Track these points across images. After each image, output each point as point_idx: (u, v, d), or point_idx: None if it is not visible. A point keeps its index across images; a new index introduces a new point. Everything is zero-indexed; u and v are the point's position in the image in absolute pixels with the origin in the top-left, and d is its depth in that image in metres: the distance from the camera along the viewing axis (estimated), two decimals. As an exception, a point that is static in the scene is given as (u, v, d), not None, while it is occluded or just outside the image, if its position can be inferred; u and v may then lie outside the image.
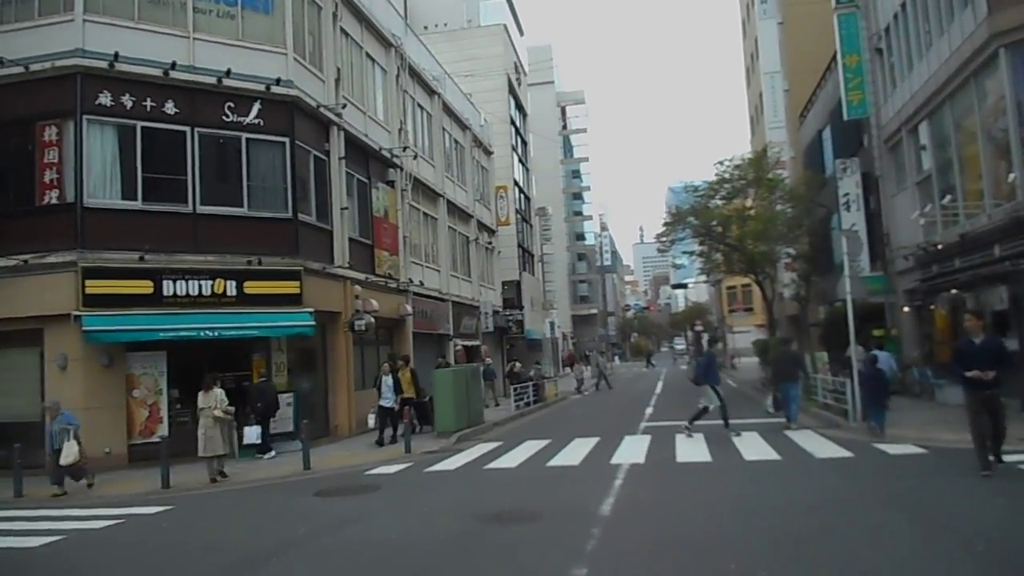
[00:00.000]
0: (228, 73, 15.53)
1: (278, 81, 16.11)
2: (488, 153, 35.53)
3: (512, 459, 12.70)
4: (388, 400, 16.24)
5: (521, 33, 54.78)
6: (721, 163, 26.61)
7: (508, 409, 23.40)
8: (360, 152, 20.43)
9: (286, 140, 16.52)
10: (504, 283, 38.35)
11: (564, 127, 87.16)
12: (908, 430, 13.30)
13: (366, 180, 20.67)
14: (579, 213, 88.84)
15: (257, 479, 12.36)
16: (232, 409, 12.82)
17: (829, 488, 8.76)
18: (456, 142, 30.16)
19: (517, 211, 42.75)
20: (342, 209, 18.59)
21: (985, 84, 15.94)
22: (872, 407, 13.28)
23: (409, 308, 22.09)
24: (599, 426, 17.64)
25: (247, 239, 15.70)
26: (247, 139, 15.99)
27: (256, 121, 16.08)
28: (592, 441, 14.31)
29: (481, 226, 32.84)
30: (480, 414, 19.12)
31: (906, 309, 21.26)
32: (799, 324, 35.22)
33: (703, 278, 44.06)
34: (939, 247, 17.48)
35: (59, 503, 11.22)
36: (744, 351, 54.52)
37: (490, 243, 34.51)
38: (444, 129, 28.29)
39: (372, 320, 18.17)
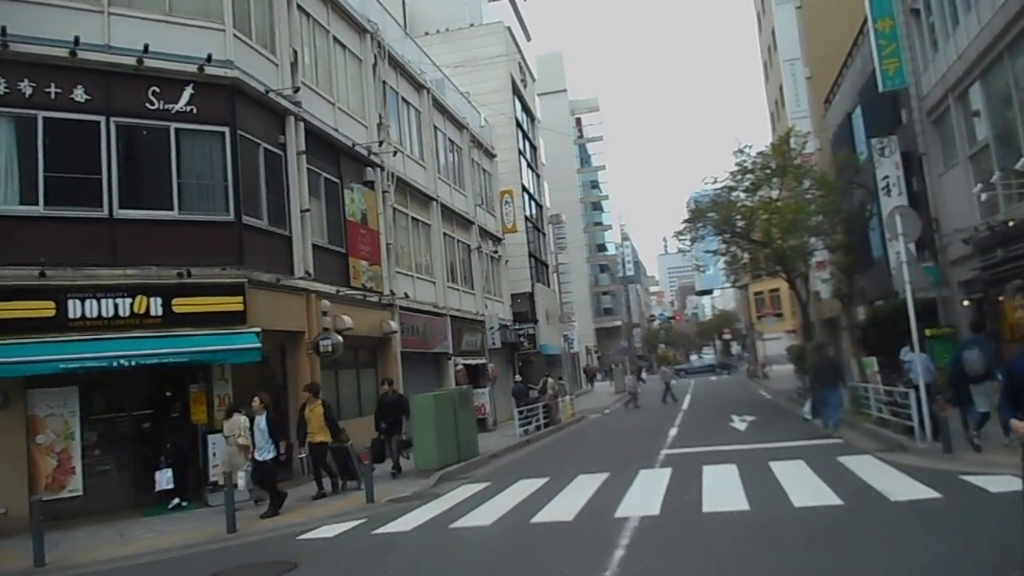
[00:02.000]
0: (147, 50, 13.01)
1: (209, 59, 13.56)
2: (491, 156, 32.94)
3: (491, 511, 9.91)
4: (264, 451, 11.65)
5: (528, 38, 52.49)
6: (741, 151, 23.70)
7: (514, 435, 20.69)
8: (328, 148, 17.90)
9: (226, 130, 13.97)
10: (515, 296, 35.66)
11: (580, 136, 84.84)
12: (996, 452, 10.42)
13: (336, 180, 18.12)
14: (599, 223, 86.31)
15: (162, 548, 9.67)
16: None
17: (932, 562, 5.88)
18: (452, 142, 27.60)
19: (527, 219, 40.10)
20: (303, 211, 16.04)
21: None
22: (967, 408, 11.31)
23: (394, 325, 19.44)
24: (612, 455, 14.86)
25: (178, 248, 13.12)
26: (177, 129, 13.43)
27: (188, 108, 13.55)
28: (599, 479, 11.54)
29: (484, 233, 30.17)
30: (473, 445, 16.35)
31: (965, 303, 18.24)
32: (836, 327, 32.13)
33: (728, 283, 40.94)
34: (1010, 224, 14.47)
35: None
36: (776, 358, 51.40)
37: (496, 252, 31.81)
38: (436, 127, 25.74)
39: (340, 339, 15.55)
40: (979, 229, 16.53)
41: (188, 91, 13.57)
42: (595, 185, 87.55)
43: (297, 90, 15.94)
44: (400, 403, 15.38)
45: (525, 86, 43.48)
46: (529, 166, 43.12)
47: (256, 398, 12.06)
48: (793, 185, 23.84)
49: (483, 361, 27.42)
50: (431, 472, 13.94)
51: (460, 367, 24.24)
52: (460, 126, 28.50)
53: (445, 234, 25.38)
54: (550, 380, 27.20)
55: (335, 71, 18.73)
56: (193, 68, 13.56)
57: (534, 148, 45.69)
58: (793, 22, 35.62)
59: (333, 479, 13.32)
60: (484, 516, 9.54)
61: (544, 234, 45.22)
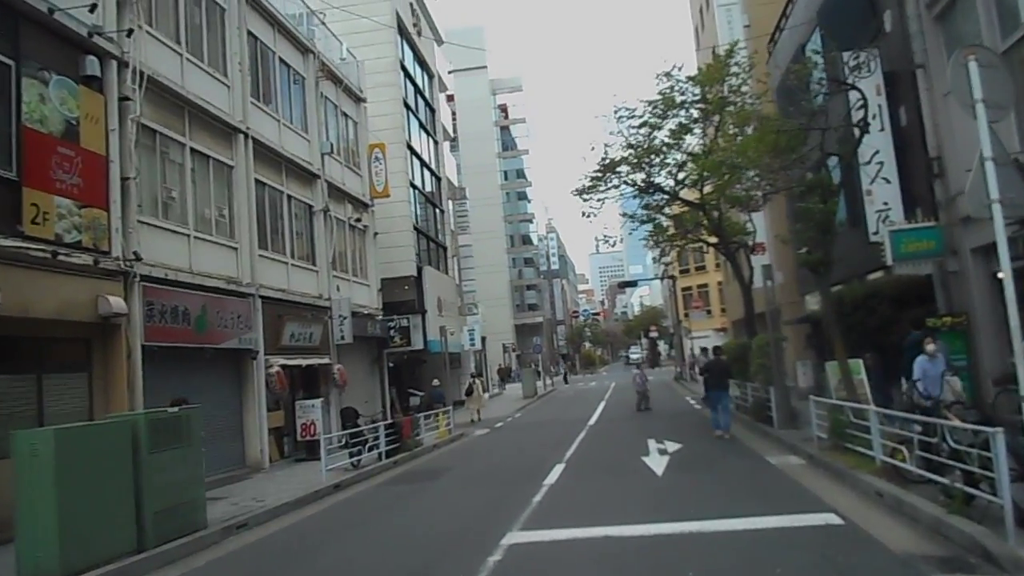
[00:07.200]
0: None
1: None
2: (357, 100, 25.87)
3: None
4: None
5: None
6: (668, 74, 17.15)
7: (322, 477, 13.94)
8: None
9: None
10: (394, 279, 28.82)
11: (505, 116, 78.55)
12: None
13: (7, 60, 10.94)
14: (524, 213, 79.89)
15: None
16: None
17: None
18: (286, 65, 20.44)
19: (416, 188, 33.25)
20: None
21: None
22: None
23: (117, 303, 12.27)
24: (414, 547, 8.17)
25: None
26: None
27: None
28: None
29: (340, 194, 23.14)
30: (193, 511, 9.31)
31: (999, 275, 12.16)
32: (776, 322, 26.04)
33: (656, 261, 34.80)
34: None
35: None
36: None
37: (358, 220, 24.76)
38: (255, 36, 18.66)
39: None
40: (1021, 160, 10.51)
41: None
42: (520, 174, 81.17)
43: None
44: None
45: (419, 33, 36.49)
46: (423, 127, 36.19)
47: None
48: (732, 133, 17.52)
49: (325, 361, 20.42)
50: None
51: (275, 370, 17.13)
52: (303, 48, 21.40)
53: (262, 183, 18.28)
54: (477, 381, 27.59)
55: None
56: None
57: (432, 110, 38.76)
58: (729, -38, 30.11)
59: None
60: None
61: (442, 211, 38.36)
